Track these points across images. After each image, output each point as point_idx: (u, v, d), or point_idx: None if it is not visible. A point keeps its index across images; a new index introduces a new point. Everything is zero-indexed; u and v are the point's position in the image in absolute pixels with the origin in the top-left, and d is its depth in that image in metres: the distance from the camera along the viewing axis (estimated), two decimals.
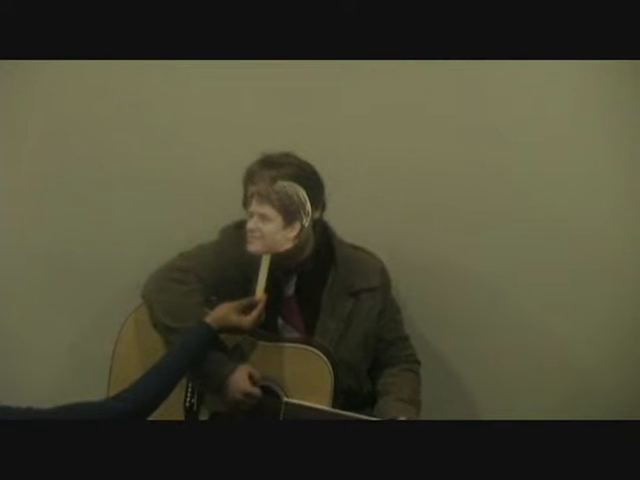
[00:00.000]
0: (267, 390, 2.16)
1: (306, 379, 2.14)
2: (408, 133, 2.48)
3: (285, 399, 2.13)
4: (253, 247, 2.11)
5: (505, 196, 2.46)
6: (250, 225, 2.11)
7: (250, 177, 2.16)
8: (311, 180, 2.15)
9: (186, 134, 2.59)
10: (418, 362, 2.35)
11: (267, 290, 2.11)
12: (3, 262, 2.67)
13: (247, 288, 2.16)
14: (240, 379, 2.10)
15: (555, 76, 2.35)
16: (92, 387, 2.21)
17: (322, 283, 2.23)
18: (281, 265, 2.19)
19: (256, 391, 2.11)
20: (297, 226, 2.10)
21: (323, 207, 2.21)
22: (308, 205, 2.10)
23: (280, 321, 2.23)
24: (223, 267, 2.22)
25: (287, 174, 2.12)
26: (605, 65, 2.23)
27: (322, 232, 2.24)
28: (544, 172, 2.42)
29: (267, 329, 2.19)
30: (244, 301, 2.09)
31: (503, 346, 2.51)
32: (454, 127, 2.45)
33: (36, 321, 2.70)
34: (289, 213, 2.09)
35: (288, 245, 2.10)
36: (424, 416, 2.23)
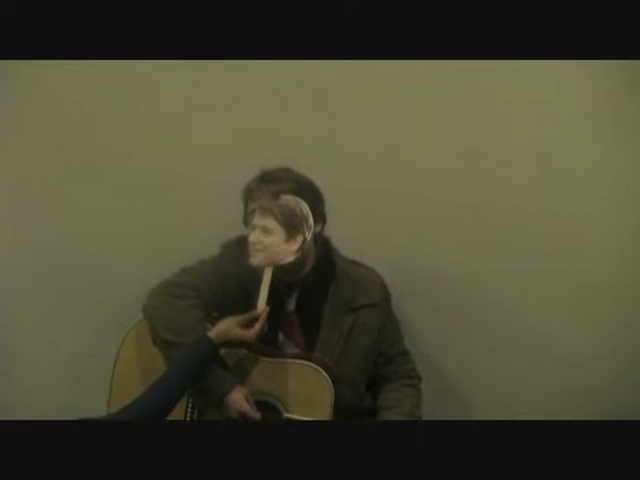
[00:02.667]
0: (267, 406, 2.16)
1: (306, 395, 2.14)
2: (409, 144, 2.48)
3: (285, 415, 2.14)
4: (255, 260, 2.12)
5: (505, 205, 2.45)
6: (252, 238, 2.11)
7: (249, 194, 2.17)
8: (310, 194, 2.16)
9: (190, 140, 2.58)
10: (419, 377, 2.35)
11: (268, 303, 2.11)
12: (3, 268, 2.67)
13: (248, 304, 2.16)
14: (238, 399, 2.11)
15: (555, 76, 2.35)
16: (92, 402, 2.21)
17: (323, 298, 2.23)
18: (282, 279, 2.19)
19: (253, 412, 2.11)
20: (299, 239, 2.10)
21: (323, 221, 2.21)
22: (311, 219, 2.11)
23: (281, 336, 2.23)
24: (224, 283, 2.21)
25: (286, 189, 2.12)
26: (605, 65, 2.24)
27: (323, 247, 2.24)
28: (545, 181, 2.42)
29: (268, 344, 2.19)
30: (246, 315, 2.10)
31: (506, 355, 2.51)
32: (456, 136, 2.45)
33: (36, 335, 2.69)
34: (292, 226, 2.09)
35: (290, 258, 2.10)
36: None
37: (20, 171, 2.64)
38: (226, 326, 2.07)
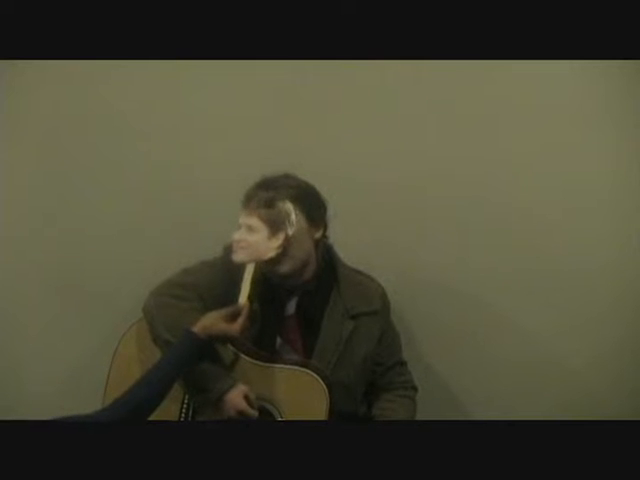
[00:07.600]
0: (262, 411, 2.14)
1: (301, 401, 2.13)
2: (412, 147, 2.48)
3: (280, 420, 2.12)
4: (238, 257, 2.14)
5: (508, 208, 2.45)
6: (237, 236, 2.14)
7: (248, 201, 2.17)
8: (311, 200, 2.17)
9: (192, 141, 2.59)
10: (415, 388, 2.33)
11: (250, 298, 2.12)
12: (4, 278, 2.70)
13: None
14: (237, 397, 2.10)
15: (555, 76, 2.35)
16: (89, 403, 2.20)
17: (323, 304, 2.22)
18: (283, 284, 2.19)
19: (251, 411, 2.10)
20: (281, 236, 2.12)
21: (325, 227, 2.20)
22: (293, 216, 2.13)
23: (279, 340, 2.22)
24: (225, 284, 2.21)
25: (284, 196, 2.13)
26: (605, 65, 2.23)
27: (325, 253, 2.24)
28: (547, 182, 2.42)
29: (265, 348, 2.19)
30: (230, 309, 2.09)
31: (506, 358, 2.50)
32: (457, 137, 2.44)
33: (35, 338, 2.71)
34: (274, 224, 2.12)
35: (271, 254, 2.12)
36: None
37: (19, 172, 2.67)
38: (210, 320, 2.06)
